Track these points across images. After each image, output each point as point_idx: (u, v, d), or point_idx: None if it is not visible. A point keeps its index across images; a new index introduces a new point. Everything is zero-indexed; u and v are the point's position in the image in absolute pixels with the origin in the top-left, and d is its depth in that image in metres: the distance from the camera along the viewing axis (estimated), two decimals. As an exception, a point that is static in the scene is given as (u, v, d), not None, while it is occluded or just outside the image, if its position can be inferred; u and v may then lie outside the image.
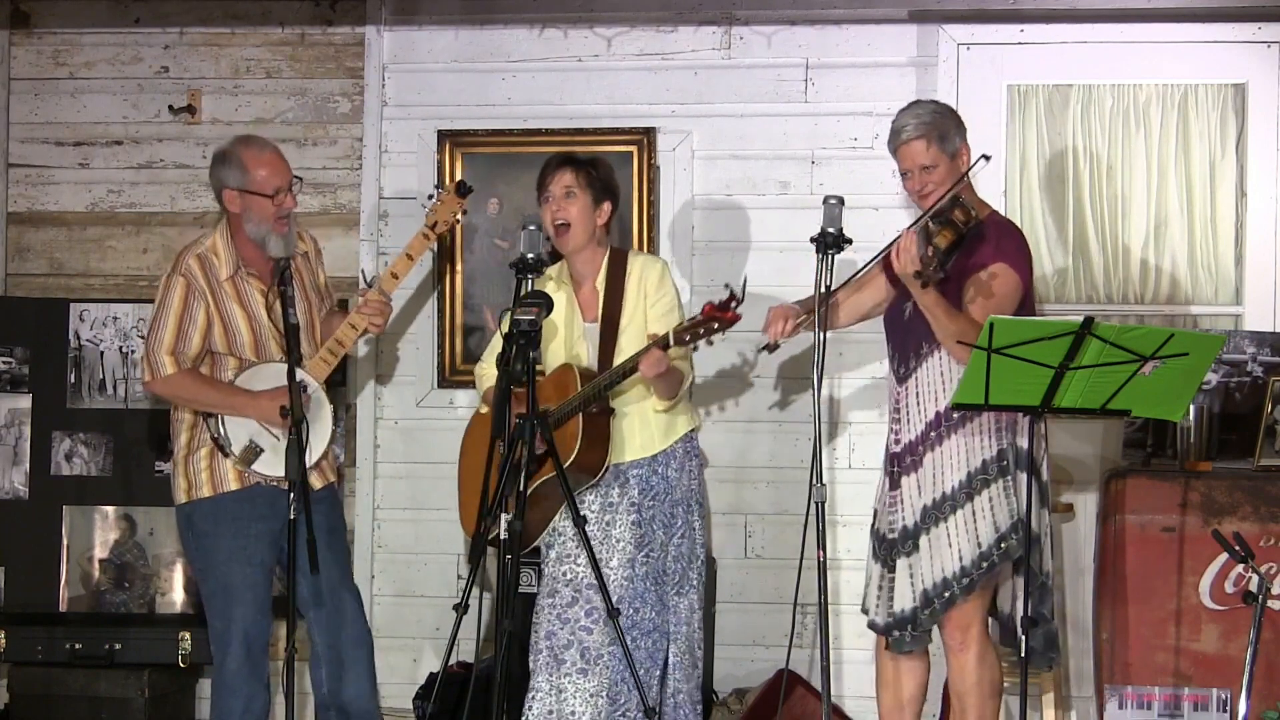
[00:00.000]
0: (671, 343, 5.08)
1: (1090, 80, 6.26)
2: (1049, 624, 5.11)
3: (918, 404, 5.11)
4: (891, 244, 5.03)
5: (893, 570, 5.15)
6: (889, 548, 5.16)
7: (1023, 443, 4.99)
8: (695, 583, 5.43)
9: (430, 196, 5.74)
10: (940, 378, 5.07)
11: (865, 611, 5.29)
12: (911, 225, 5.01)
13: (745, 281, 5.00)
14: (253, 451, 5.35)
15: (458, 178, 6.14)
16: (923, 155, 5.11)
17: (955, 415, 5.03)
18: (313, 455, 5.30)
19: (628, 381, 5.28)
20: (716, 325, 5.00)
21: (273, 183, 5.36)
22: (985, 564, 5.00)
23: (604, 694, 5.29)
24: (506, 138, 6.34)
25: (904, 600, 5.10)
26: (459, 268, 6.37)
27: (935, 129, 5.12)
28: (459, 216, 5.72)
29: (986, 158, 5.13)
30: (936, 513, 5.05)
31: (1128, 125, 6.29)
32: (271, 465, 5.33)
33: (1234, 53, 6.17)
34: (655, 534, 5.36)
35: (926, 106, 5.22)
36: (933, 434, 5.08)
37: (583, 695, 5.29)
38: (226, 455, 5.35)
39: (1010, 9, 6.20)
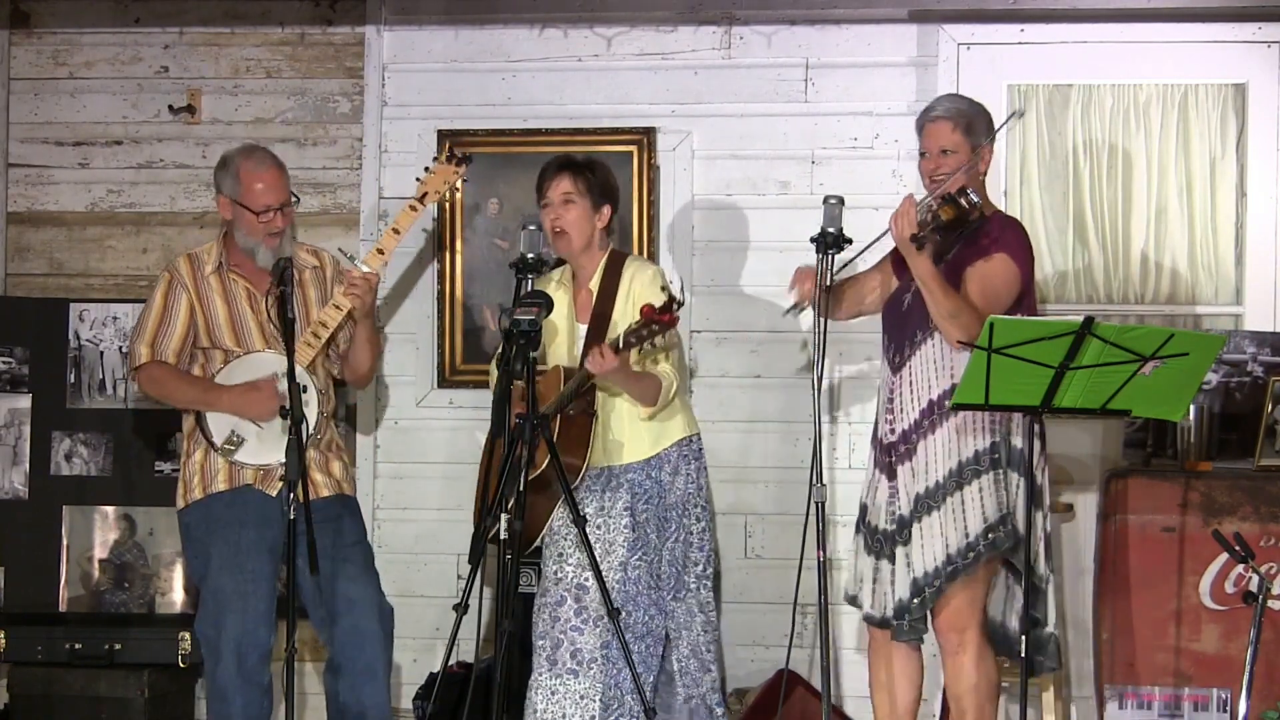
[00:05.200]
0: (621, 346, 5.08)
1: (1090, 80, 6.26)
2: (1041, 628, 5.10)
3: (911, 392, 5.11)
4: (885, 231, 5.06)
5: (892, 561, 5.15)
6: (886, 539, 5.16)
7: (1016, 440, 5.00)
8: (694, 586, 5.42)
9: (426, 168, 5.70)
10: (934, 365, 5.08)
11: (851, 602, 5.27)
12: (921, 199, 5.06)
13: (682, 284, 5.04)
14: (234, 442, 5.38)
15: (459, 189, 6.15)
16: (945, 137, 5.14)
17: (947, 403, 5.03)
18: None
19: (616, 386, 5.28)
20: (656, 327, 5.03)
21: (263, 200, 5.41)
22: (971, 554, 4.99)
23: (596, 697, 5.28)
24: (506, 138, 6.34)
25: (902, 589, 5.10)
26: (459, 268, 6.37)
27: (965, 117, 5.18)
28: (456, 186, 5.67)
29: (1020, 114, 5.20)
30: (929, 501, 5.05)
31: (1128, 125, 6.29)
32: (254, 454, 5.38)
33: (1234, 53, 6.17)
34: (649, 537, 5.36)
35: (964, 99, 5.32)
36: (926, 422, 5.08)
37: (573, 697, 5.29)
38: (212, 447, 5.37)
39: (1010, 9, 6.20)
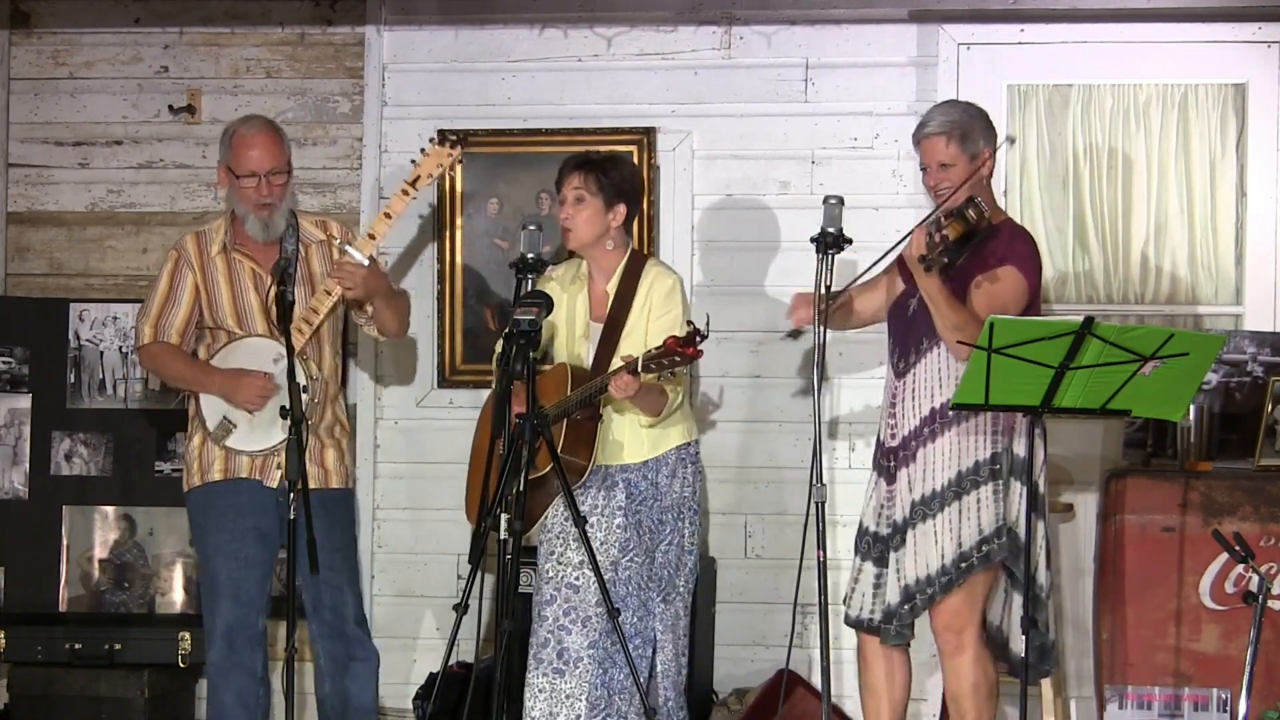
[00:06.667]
0: (640, 369, 5.08)
1: (1090, 80, 6.27)
2: (1043, 636, 5.09)
3: (914, 399, 5.11)
4: (902, 239, 5.04)
5: (882, 565, 5.15)
6: (876, 542, 5.16)
7: (1019, 449, 4.99)
8: (682, 590, 5.42)
9: (422, 150, 5.67)
10: (938, 374, 5.07)
11: (844, 604, 5.27)
12: (925, 219, 5.03)
13: (708, 319, 5.03)
14: (225, 428, 5.39)
15: (455, 173, 6.15)
16: (941, 152, 5.12)
17: (951, 412, 5.03)
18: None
19: None
20: (678, 359, 5.02)
21: (246, 167, 5.40)
22: (964, 564, 4.99)
23: (582, 698, 5.26)
24: (506, 138, 6.34)
25: (894, 595, 5.10)
26: (458, 268, 6.37)
27: (959, 128, 5.12)
28: (450, 170, 5.66)
29: (1011, 140, 5.15)
30: (925, 509, 5.05)
31: (1128, 125, 6.29)
32: (245, 440, 5.39)
33: (1234, 53, 6.17)
34: (641, 539, 5.35)
35: (958, 106, 5.26)
36: (926, 430, 5.07)
37: (558, 697, 5.28)
38: (206, 432, 5.39)
39: (1010, 9, 6.20)
